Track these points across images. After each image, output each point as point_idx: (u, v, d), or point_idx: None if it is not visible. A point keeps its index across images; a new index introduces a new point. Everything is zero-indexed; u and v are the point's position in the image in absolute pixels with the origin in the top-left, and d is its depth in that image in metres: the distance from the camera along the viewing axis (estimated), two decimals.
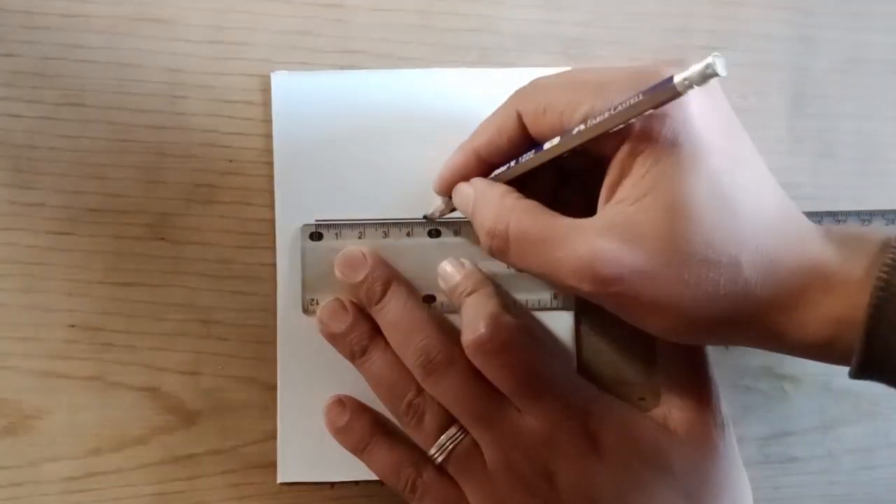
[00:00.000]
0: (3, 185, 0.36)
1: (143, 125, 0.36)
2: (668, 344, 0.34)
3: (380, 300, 0.34)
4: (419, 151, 0.36)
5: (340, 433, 0.35)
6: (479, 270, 0.35)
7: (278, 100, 0.36)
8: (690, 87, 0.26)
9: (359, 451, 0.34)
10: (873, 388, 0.37)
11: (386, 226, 0.36)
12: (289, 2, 0.37)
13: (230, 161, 0.36)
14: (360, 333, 0.34)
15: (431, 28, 0.37)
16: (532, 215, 0.30)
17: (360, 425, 0.35)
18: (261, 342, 0.36)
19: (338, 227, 0.36)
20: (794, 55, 0.37)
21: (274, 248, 0.36)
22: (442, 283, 0.35)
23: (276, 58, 0.36)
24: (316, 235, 0.36)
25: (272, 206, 0.36)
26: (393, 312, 0.34)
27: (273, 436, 0.36)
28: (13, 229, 0.36)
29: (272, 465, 0.36)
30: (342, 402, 0.35)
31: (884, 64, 0.37)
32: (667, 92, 0.27)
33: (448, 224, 0.36)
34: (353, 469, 0.35)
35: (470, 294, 0.34)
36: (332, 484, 0.36)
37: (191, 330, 0.36)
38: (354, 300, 0.35)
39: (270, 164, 0.36)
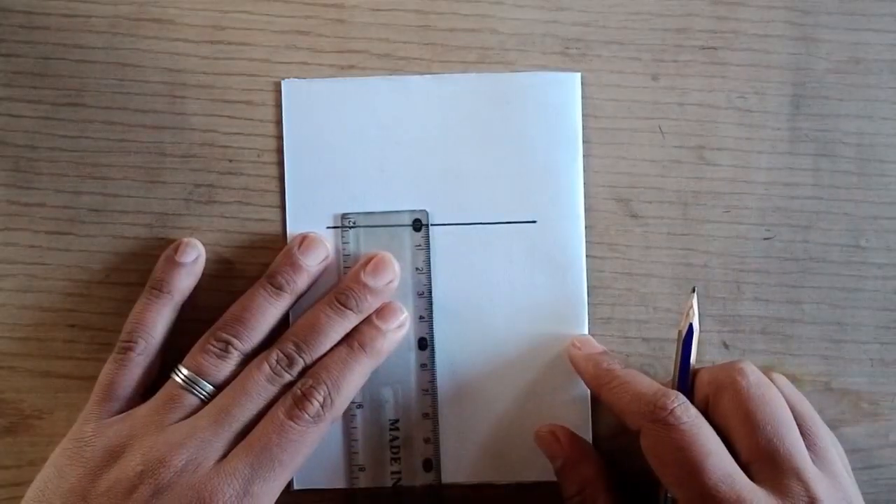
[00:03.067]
0: (3, 185, 0.36)
1: (143, 125, 0.36)
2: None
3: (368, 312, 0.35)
4: (427, 156, 0.36)
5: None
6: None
7: (289, 106, 0.36)
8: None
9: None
10: (873, 388, 0.37)
11: None
12: (289, 2, 0.37)
13: (230, 161, 0.36)
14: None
15: (431, 28, 0.37)
16: None
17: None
18: None
19: None
20: (794, 55, 0.37)
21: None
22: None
23: (276, 58, 0.36)
24: None
25: (272, 206, 0.36)
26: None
27: None
28: (14, 229, 0.36)
29: None
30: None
31: (884, 64, 0.37)
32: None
33: None
34: (368, 475, 0.36)
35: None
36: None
37: (191, 330, 0.36)
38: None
39: (270, 163, 0.36)
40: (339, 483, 0.36)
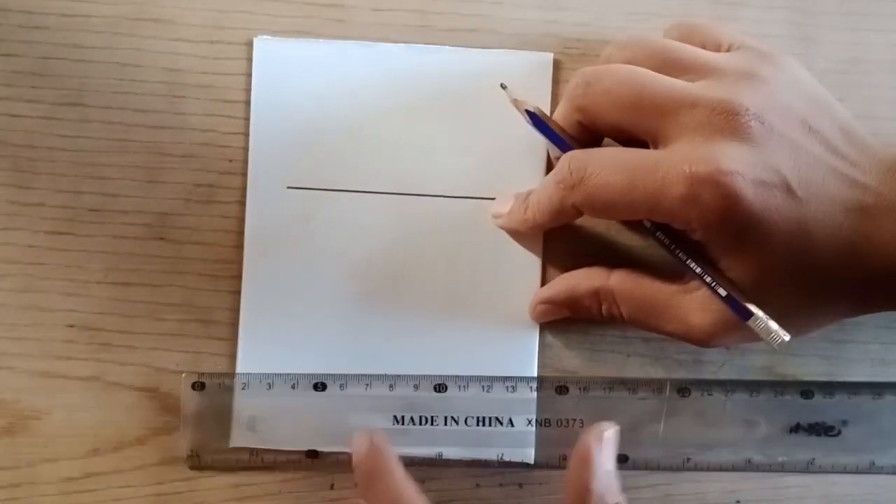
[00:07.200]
0: (2, 185, 0.36)
1: (143, 125, 0.36)
2: None
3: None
4: (401, 127, 0.36)
5: None
6: None
7: (259, 65, 0.36)
8: (757, 330, 0.30)
9: None
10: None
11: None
12: (289, 2, 0.37)
13: (230, 161, 0.36)
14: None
15: (431, 28, 0.37)
16: None
17: None
18: None
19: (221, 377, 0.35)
20: (794, 55, 0.37)
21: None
22: None
23: None
24: (198, 385, 0.35)
25: None
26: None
27: None
28: (12, 229, 0.36)
29: (273, 466, 0.36)
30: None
31: (884, 64, 0.37)
32: (741, 315, 0.31)
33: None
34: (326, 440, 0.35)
35: None
36: (332, 485, 0.36)
37: (190, 330, 0.36)
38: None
39: None
40: None
